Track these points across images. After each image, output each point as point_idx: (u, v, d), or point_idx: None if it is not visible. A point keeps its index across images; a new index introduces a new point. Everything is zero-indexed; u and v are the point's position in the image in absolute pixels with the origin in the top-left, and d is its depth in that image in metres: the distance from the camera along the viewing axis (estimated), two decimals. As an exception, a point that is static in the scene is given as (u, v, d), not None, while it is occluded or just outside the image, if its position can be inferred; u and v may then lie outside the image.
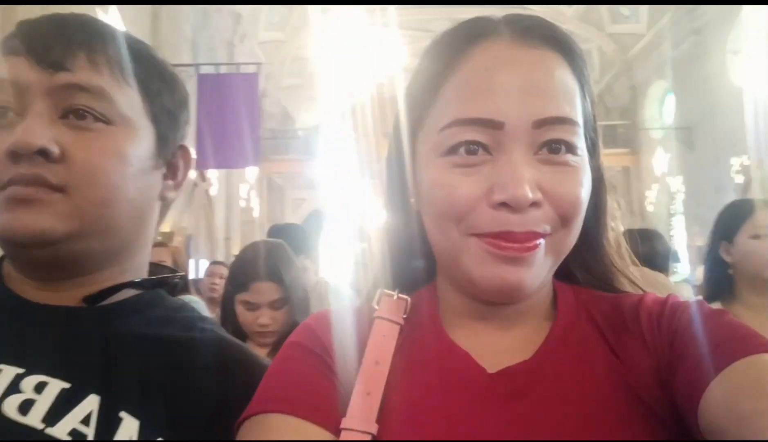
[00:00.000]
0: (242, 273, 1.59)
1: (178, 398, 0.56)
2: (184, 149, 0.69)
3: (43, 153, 0.54)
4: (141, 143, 0.61)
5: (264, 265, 1.59)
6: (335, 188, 13.29)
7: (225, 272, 4.02)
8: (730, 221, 1.59)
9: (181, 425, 0.55)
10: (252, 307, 1.57)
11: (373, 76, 8.85)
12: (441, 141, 0.52)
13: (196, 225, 9.55)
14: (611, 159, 13.69)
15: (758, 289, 1.52)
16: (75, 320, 0.59)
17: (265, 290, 1.57)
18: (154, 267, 0.70)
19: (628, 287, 0.59)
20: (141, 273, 0.66)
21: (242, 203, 12.10)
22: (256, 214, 12.90)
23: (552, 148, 0.50)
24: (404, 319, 0.57)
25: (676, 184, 11.48)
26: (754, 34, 8.42)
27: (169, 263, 2.38)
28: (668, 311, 0.52)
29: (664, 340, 0.50)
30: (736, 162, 9.34)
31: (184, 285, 0.66)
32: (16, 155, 0.54)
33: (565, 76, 0.52)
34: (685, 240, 11.22)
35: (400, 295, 0.58)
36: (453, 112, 0.51)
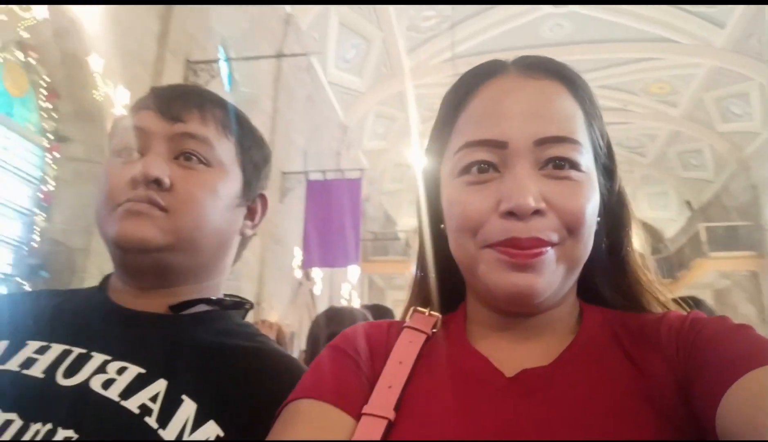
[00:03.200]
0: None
1: (232, 390, 0.65)
2: (263, 197, 0.84)
3: (158, 182, 0.68)
4: (231, 184, 0.75)
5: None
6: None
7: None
8: None
9: (232, 414, 0.63)
10: None
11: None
12: (456, 163, 0.58)
13: (299, 322, 9.84)
14: (734, 263, 12.61)
15: None
16: (158, 323, 0.70)
17: None
18: (229, 297, 0.82)
19: (656, 307, 0.59)
20: (217, 294, 0.79)
21: (344, 302, 12.36)
22: (355, 313, 13.06)
23: (556, 164, 0.54)
24: (433, 333, 0.60)
25: (814, 290, 10.28)
26: None
27: (272, 337, 2.56)
28: (689, 325, 0.52)
29: (684, 351, 0.49)
30: None
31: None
32: (135, 182, 0.68)
33: (566, 102, 0.57)
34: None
35: (432, 313, 0.62)
36: (465, 136, 0.57)
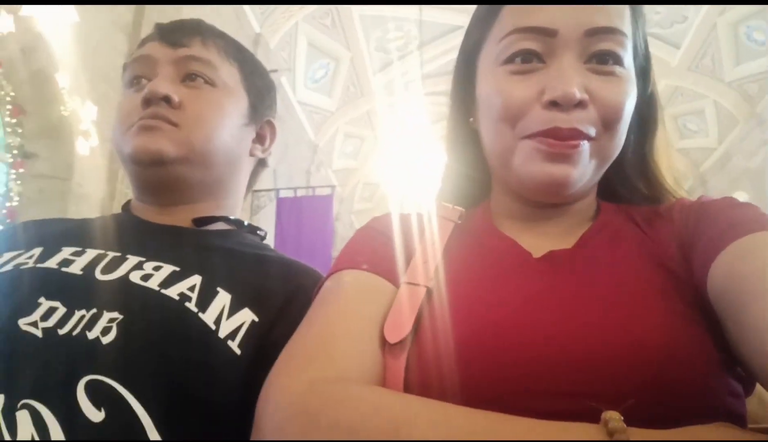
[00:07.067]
0: None
1: (263, 282, 0.69)
2: (271, 124, 0.90)
3: (167, 99, 0.73)
4: (237, 104, 0.80)
5: None
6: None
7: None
8: None
9: (264, 302, 0.67)
10: None
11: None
12: (500, 50, 0.57)
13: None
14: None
15: None
16: (185, 233, 0.75)
17: None
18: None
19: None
20: (234, 215, 0.85)
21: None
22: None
23: (601, 59, 0.55)
24: (459, 223, 0.62)
25: None
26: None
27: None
28: (698, 202, 0.55)
29: (691, 222, 0.53)
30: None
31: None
32: (147, 101, 0.73)
33: None
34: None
35: (456, 206, 0.64)
36: (512, 22, 0.57)
